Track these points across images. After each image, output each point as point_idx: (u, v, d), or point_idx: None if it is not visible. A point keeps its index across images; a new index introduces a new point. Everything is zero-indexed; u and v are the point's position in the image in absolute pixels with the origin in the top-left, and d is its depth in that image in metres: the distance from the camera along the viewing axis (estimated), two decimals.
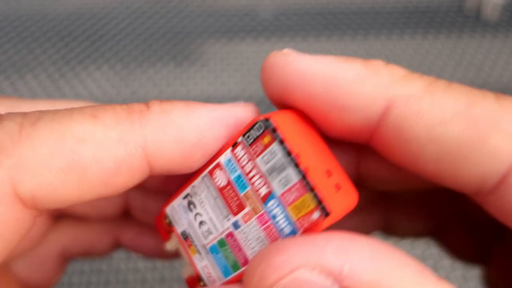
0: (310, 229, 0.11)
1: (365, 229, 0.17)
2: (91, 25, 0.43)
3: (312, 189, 0.11)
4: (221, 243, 0.14)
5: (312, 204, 0.11)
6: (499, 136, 0.11)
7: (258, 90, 0.39)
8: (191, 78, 0.39)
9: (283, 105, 0.13)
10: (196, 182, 0.14)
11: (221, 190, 0.13)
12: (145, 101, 0.13)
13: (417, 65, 0.41)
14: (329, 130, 0.13)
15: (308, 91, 0.12)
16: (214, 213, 0.14)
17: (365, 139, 0.13)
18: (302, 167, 0.11)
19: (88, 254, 0.18)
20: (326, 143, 0.13)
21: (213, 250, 0.14)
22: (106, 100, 0.37)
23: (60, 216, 0.17)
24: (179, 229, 0.15)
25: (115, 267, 0.29)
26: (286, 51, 0.12)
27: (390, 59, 0.42)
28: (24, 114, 0.12)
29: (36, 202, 0.11)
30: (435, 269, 0.29)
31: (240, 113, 0.13)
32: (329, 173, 0.12)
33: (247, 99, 0.38)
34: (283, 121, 0.12)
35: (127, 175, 0.12)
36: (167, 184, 0.16)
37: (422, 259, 0.29)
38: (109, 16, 0.44)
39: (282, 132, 0.12)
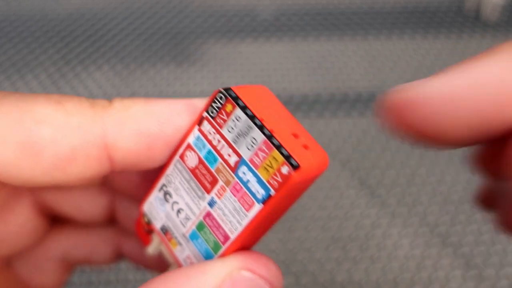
0: (282, 186, 0.11)
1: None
2: (91, 25, 0.43)
3: (278, 146, 0.11)
4: (200, 226, 0.13)
5: (280, 160, 0.11)
6: None
7: None
8: (191, 78, 0.40)
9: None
10: (169, 170, 0.13)
11: (193, 171, 0.13)
12: None
13: (417, 65, 0.41)
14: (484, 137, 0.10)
15: (463, 111, 0.09)
16: (189, 196, 0.13)
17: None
18: (267, 127, 0.11)
19: (89, 261, 0.18)
20: (293, 117, 0.13)
21: (193, 236, 0.13)
22: None
23: (61, 221, 0.18)
24: (158, 224, 0.14)
25: (115, 267, 0.29)
26: (402, 86, 0.10)
27: (390, 59, 0.42)
28: None
29: None
30: (434, 269, 0.29)
31: (200, 103, 0.13)
32: (296, 136, 0.12)
33: None
34: (245, 91, 0.12)
35: (83, 162, 0.12)
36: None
37: (421, 258, 0.29)
38: (109, 16, 0.45)
39: (244, 98, 0.12)
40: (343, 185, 0.33)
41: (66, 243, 0.17)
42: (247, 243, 0.13)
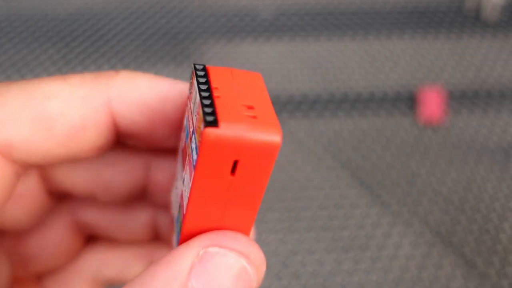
0: (200, 145, 0.10)
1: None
2: (92, 25, 0.43)
3: (204, 104, 0.10)
4: (179, 208, 0.12)
5: (201, 118, 0.10)
6: None
7: None
8: None
9: None
10: (178, 155, 0.13)
11: (183, 152, 0.12)
12: None
13: (417, 65, 0.41)
14: None
15: None
16: (180, 178, 0.12)
17: None
18: (212, 92, 0.10)
19: (120, 279, 0.18)
20: (269, 101, 0.11)
21: (177, 220, 0.12)
22: None
23: (93, 238, 0.18)
24: (172, 214, 0.14)
25: None
26: None
27: (390, 59, 0.42)
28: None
29: (12, 152, 0.12)
30: (436, 268, 0.29)
31: None
32: (250, 107, 0.10)
33: None
34: (222, 70, 0.11)
35: (93, 130, 0.13)
36: None
37: (422, 259, 0.29)
38: (109, 16, 0.45)
39: (209, 71, 0.11)
40: (343, 185, 0.33)
41: (98, 261, 0.17)
42: (201, 222, 0.11)
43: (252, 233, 0.16)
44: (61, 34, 0.43)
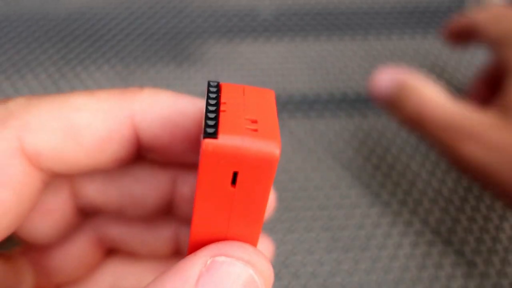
0: (201, 155, 0.10)
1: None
2: (92, 25, 0.43)
3: (207, 117, 0.10)
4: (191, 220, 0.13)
5: (203, 129, 0.10)
6: None
7: None
8: (192, 78, 0.39)
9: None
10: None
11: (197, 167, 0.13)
12: None
13: (417, 65, 0.41)
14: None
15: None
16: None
17: None
18: (219, 107, 0.11)
19: None
20: (277, 120, 0.12)
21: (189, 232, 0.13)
22: None
23: (113, 251, 0.18)
24: None
25: None
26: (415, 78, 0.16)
27: (390, 59, 0.42)
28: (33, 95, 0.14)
29: (40, 160, 0.13)
30: (436, 268, 0.29)
31: None
32: (253, 121, 0.11)
33: None
34: (231, 86, 0.12)
35: (118, 143, 0.13)
36: None
37: (422, 259, 0.29)
38: (109, 16, 0.45)
39: (221, 87, 0.12)
40: (343, 185, 0.33)
41: (116, 274, 0.18)
42: (207, 232, 0.12)
43: (270, 248, 0.17)
44: (62, 34, 0.43)
